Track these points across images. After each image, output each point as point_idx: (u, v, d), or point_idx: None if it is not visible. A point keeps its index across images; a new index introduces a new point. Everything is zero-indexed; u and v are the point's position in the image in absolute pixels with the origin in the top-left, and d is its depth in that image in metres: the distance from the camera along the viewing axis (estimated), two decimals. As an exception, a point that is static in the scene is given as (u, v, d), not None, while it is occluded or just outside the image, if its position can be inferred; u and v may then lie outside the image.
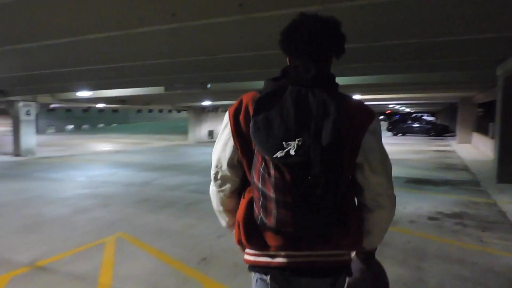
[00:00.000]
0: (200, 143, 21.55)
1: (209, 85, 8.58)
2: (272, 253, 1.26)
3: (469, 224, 4.99)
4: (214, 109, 25.67)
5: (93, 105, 22.87)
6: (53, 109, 32.98)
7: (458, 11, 4.05)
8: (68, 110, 37.50)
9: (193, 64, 7.49)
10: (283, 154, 1.08)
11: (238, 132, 1.25)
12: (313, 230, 1.19)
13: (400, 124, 28.02)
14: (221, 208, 1.43)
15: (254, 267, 1.31)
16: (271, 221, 1.19)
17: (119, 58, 6.02)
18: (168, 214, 5.56)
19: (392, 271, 2.03)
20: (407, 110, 46.43)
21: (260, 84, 8.64)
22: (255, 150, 1.20)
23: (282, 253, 1.24)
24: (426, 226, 4.93)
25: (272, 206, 1.16)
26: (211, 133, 25.01)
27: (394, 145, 17.61)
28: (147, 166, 11.07)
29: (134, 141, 22.65)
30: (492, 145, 13.15)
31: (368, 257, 1.47)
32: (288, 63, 1.34)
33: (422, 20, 4.29)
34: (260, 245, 1.26)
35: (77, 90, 11.78)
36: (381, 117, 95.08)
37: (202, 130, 24.11)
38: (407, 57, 6.27)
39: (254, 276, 1.34)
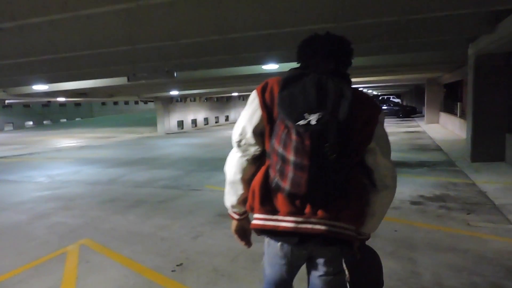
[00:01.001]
0: (170, 134, 20.88)
1: (176, 74, 8.06)
2: (280, 217, 1.40)
3: (452, 207, 4.87)
4: (183, 99, 24.94)
5: (53, 99, 21.59)
6: (9, 105, 31.06)
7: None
8: (27, 105, 35.46)
9: (156, 51, 6.98)
10: (304, 123, 1.26)
11: (264, 104, 1.44)
12: (321, 193, 1.34)
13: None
14: (239, 176, 1.52)
15: (262, 231, 1.46)
16: (286, 183, 1.33)
17: (70, 46, 5.43)
18: (138, 215, 5.12)
19: (383, 265, 1.79)
20: (374, 93, 47.27)
21: (229, 71, 8.24)
22: (278, 120, 1.35)
23: (289, 218, 1.39)
24: (411, 212, 4.77)
25: (289, 169, 1.31)
26: (181, 124, 24.32)
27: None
28: (113, 162, 10.45)
29: (99, 135, 21.64)
30: (460, 124, 13.41)
31: (363, 245, 1.65)
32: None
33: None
34: (270, 210, 1.42)
35: (32, 84, 10.90)
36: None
37: (171, 121, 23.38)
38: (380, 38, 6.04)
39: (267, 239, 1.54)
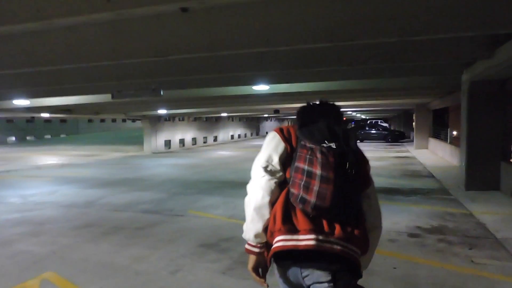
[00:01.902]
0: (157, 154, 20.38)
1: (162, 92, 7.73)
2: (300, 237, 1.48)
3: (453, 241, 4.55)
4: (171, 118, 24.56)
5: (36, 115, 21.00)
6: (-8, 120, 30.23)
7: (438, 2, 3.63)
8: (10, 120, 34.58)
9: (143, 68, 6.66)
10: (327, 145, 1.50)
11: (285, 138, 1.66)
12: (341, 207, 1.48)
13: (357, 131, 28.36)
14: (267, 199, 1.59)
15: (281, 252, 1.50)
16: (311, 196, 1.47)
17: (49, 59, 5.07)
18: (113, 243, 4.67)
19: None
20: (362, 117, 47.60)
21: (218, 91, 7.91)
22: (299, 148, 1.56)
23: (309, 236, 1.47)
24: (409, 245, 4.43)
25: (315, 183, 1.47)
26: (168, 143, 23.85)
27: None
28: (94, 182, 9.94)
29: (83, 153, 21.02)
30: (450, 151, 13.30)
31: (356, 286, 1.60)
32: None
33: (401, 15, 3.82)
34: (291, 229, 1.50)
35: (11, 99, 10.45)
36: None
37: (159, 140, 22.91)
38: (376, 61, 5.84)
39: (276, 264, 1.58)
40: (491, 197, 7.01)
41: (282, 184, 1.61)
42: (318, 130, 1.55)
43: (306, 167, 1.49)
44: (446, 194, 7.50)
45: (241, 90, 10.11)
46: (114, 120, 46.75)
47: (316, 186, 1.46)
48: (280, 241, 1.51)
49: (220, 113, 24.84)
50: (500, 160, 7.50)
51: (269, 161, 1.62)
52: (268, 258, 1.59)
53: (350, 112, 36.79)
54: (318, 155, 1.48)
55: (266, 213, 1.60)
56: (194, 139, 27.01)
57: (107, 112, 18.73)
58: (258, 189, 1.62)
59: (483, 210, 6.05)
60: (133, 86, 8.18)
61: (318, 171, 1.46)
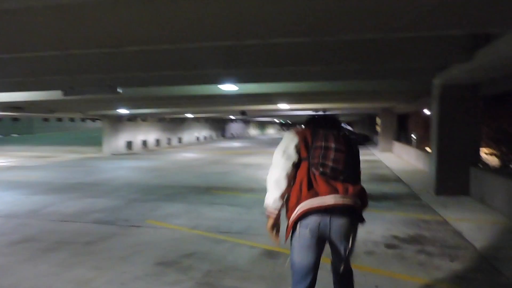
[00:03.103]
0: (117, 155, 19.33)
1: (119, 90, 7.07)
2: (323, 198, 2.02)
3: (432, 252, 4.27)
4: (133, 118, 23.48)
5: (-18, 112, 19.33)
6: None
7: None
8: (-46, 118, 31.98)
9: (97, 61, 6.00)
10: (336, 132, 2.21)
11: (299, 134, 2.23)
12: (350, 170, 2.10)
13: (324, 134, 28.50)
14: (284, 173, 2.11)
15: (305, 212, 2.04)
16: (329, 161, 2.03)
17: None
18: (54, 263, 4.01)
19: None
20: (328, 120, 48.27)
21: (182, 90, 7.31)
22: (315, 139, 2.15)
23: (329, 196, 2.03)
24: (388, 259, 4.09)
25: (331, 152, 2.05)
26: (129, 145, 22.76)
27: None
28: (43, 187, 9.04)
29: (35, 154, 19.59)
30: (416, 155, 13.40)
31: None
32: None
33: (386, 10, 3.48)
34: (315, 194, 2.04)
35: None
36: (303, 126, 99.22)
37: (119, 141, 21.80)
38: (352, 61, 5.52)
39: (298, 226, 2.08)
40: (462, 202, 6.90)
41: (296, 166, 2.14)
42: (330, 128, 2.23)
43: (323, 143, 2.08)
44: (416, 200, 7.33)
45: (207, 90, 9.58)
46: (72, 120, 44.54)
47: (332, 154, 2.04)
48: (308, 204, 2.03)
49: (185, 114, 24.05)
50: (469, 165, 7.43)
51: (286, 148, 2.17)
52: (295, 219, 2.07)
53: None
54: (331, 136, 2.11)
55: (283, 184, 2.11)
56: (157, 141, 26.02)
57: (63, 111, 17.52)
58: (278, 167, 2.13)
59: (457, 217, 5.88)
60: (87, 82, 7.45)
61: (333, 144, 2.07)
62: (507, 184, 5.85)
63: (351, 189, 2.09)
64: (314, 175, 2.08)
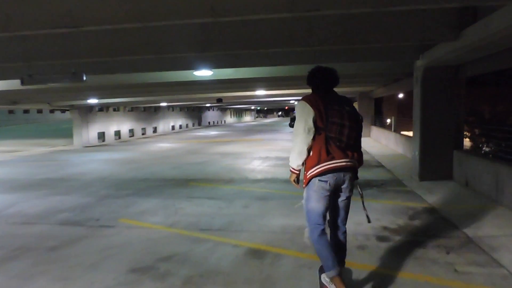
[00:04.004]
0: (88, 148, 18.49)
1: (85, 77, 6.47)
2: (338, 161, 2.66)
3: (426, 244, 4.04)
4: (105, 108, 22.52)
5: None
6: None
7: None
8: None
9: (56, 45, 5.43)
10: (347, 109, 2.72)
11: (313, 105, 2.69)
12: (358, 143, 2.77)
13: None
14: (305, 147, 2.68)
15: (322, 170, 2.66)
16: (344, 137, 2.62)
17: None
18: (11, 274, 3.54)
19: None
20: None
21: (155, 77, 6.73)
22: (329, 110, 2.68)
23: (341, 160, 2.67)
24: (381, 253, 3.83)
25: (346, 129, 2.62)
26: (102, 136, 21.85)
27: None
28: (6, 185, 8.37)
29: (1, 149, 18.49)
30: (395, 139, 13.35)
31: None
32: (312, 89, 2.92)
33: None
34: (331, 157, 2.66)
35: None
36: (280, 113, 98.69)
37: (91, 133, 20.88)
38: (334, 41, 5.17)
39: (317, 180, 2.68)
40: (447, 187, 6.78)
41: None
42: (338, 99, 2.78)
43: (339, 121, 2.62)
44: (401, 186, 7.17)
45: (181, 76, 9.06)
46: (40, 111, 42.63)
47: (346, 131, 2.62)
48: (326, 165, 2.65)
49: (159, 103, 23.27)
50: (453, 149, 7.31)
51: (306, 123, 2.64)
52: (315, 175, 2.68)
53: (293, 101, 36.88)
54: (345, 115, 2.65)
55: (304, 155, 2.70)
56: (131, 131, 25.15)
57: (27, 102, 16.48)
58: (301, 141, 2.67)
59: (443, 202, 5.72)
60: (48, 70, 6.82)
61: (347, 122, 2.63)
62: (493, 167, 5.72)
63: (355, 155, 2.77)
64: (331, 145, 2.67)
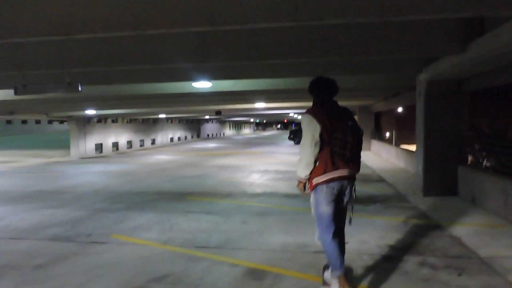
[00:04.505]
0: (85, 159, 18.26)
1: (80, 87, 6.30)
2: (340, 171, 2.95)
3: (435, 265, 3.82)
4: (103, 119, 22.36)
5: None
6: None
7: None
8: None
9: (50, 54, 5.27)
10: (350, 124, 3.03)
11: (319, 120, 2.93)
12: (358, 155, 3.08)
13: (300, 133, 27.98)
14: (313, 159, 2.96)
15: (328, 180, 2.95)
16: (347, 152, 2.94)
17: None
18: (-7, 295, 3.29)
19: None
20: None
21: (153, 88, 6.47)
22: (334, 126, 2.95)
23: (344, 170, 2.95)
24: (389, 274, 3.60)
25: (349, 144, 2.92)
26: (99, 147, 21.64)
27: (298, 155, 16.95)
28: (-3, 197, 8.12)
29: (-5, 160, 18.24)
30: (396, 153, 13.18)
31: None
32: (314, 98, 3.20)
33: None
34: (336, 168, 2.94)
35: None
36: (279, 126, 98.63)
37: (88, 144, 20.69)
38: (337, 52, 5.02)
39: (325, 187, 2.98)
40: (452, 203, 6.56)
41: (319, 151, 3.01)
42: (337, 115, 3.05)
43: (343, 137, 2.94)
44: (404, 202, 6.95)
45: (180, 88, 8.90)
46: (38, 122, 42.46)
47: (349, 146, 2.95)
48: (332, 173, 2.94)
49: (158, 114, 23.14)
50: (457, 164, 7.12)
51: (313, 138, 2.92)
52: (322, 182, 2.98)
53: (292, 114, 36.82)
54: (348, 130, 2.97)
55: (311, 166, 2.99)
56: (129, 142, 24.95)
57: (24, 112, 16.31)
58: (308, 154, 2.96)
59: (450, 220, 5.49)
60: (42, 79, 6.66)
61: (350, 138, 2.95)
62: (502, 184, 5.52)
63: (355, 165, 3.07)
64: (335, 157, 2.94)
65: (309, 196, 3.16)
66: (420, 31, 4.81)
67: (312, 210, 3.12)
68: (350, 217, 3.20)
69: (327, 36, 4.81)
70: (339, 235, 3.09)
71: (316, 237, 3.15)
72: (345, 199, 3.11)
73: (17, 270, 3.85)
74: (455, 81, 6.92)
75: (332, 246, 3.01)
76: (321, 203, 3.01)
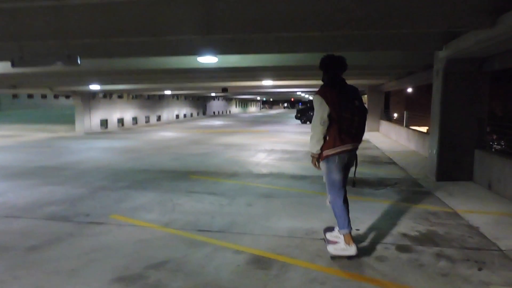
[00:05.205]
0: (90, 134, 18.10)
1: (79, 60, 5.98)
2: (348, 145, 3.35)
3: (453, 257, 3.56)
4: (108, 95, 22.08)
5: None
6: None
7: None
8: None
9: (46, 23, 4.93)
10: (356, 104, 3.38)
11: (328, 102, 3.29)
12: (362, 131, 3.44)
13: (307, 112, 27.63)
14: (322, 136, 3.34)
15: (338, 153, 3.35)
16: (353, 129, 3.32)
17: None
18: (-19, 279, 3.10)
19: None
20: (310, 98, 47.37)
21: (156, 63, 6.05)
22: (343, 107, 3.30)
23: (350, 144, 3.36)
24: (404, 267, 3.35)
25: (355, 123, 3.30)
26: (104, 123, 21.44)
27: (306, 135, 16.61)
28: (-2, 172, 7.97)
29: (2, 134, 18.15)
30: (407, 135, 12.79)
31: None
32: (325, 73, 3.51)
33: None
34: (344, 143, 3.32)
35: None
36: (285, 104, 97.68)
37: (93, 119, 20.48)
38: (353, 26, 4.62)
39: (337, 158, 3.37)
40: (468, 189, 6.27)
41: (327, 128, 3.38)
42: (346, 91, 3.41)
43: (350, 116, 3.29)
44: (416, 186, 6.65)
45: (184, 63, 8.53)
46: (44, 96, 42.32)
47: (355, 124, 3.33)
48: (340, 147, 3.33)
49: (164, 91, 22.78)
50: (474, 148, 6.77)
51: (322, 118, 3.29)
52: (333, 154, 3.37)
53: (299, 93, 36.21)
54: (356, 110, 3.33)
55: (321, 142, 3.37)
56: (135, 119, 24.73)
57: (27, 86, 16.07)
58: (319, 132, 3.33)
59: (467, 207, 5.21)
60: (40, 51, 6.34)
61: (356, 118, 3.32)
62: (523, 170, 5.19)
63: (359, 139, 3.44)
64: (343, 134, 3.31)
65: (321, 172, 3.58)
66: (446, 2, 4.39)
67: (324, 178, 3.54)
68: (354, 180, 3.72)
69: (342, 7, 4.41)
70: (345, 199, 3.54)
71: (327, 200, 3.57)
72: (349, 167, 3.54)
73: (10, 252, 3.66)
74: (477, 60, 6.49)
75: (342, 209, 3.48)
76: (333, 171, 3.43)
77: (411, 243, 3.93)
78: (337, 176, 3.43)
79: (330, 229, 3.74)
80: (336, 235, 3.58)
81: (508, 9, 4.14)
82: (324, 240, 3.72)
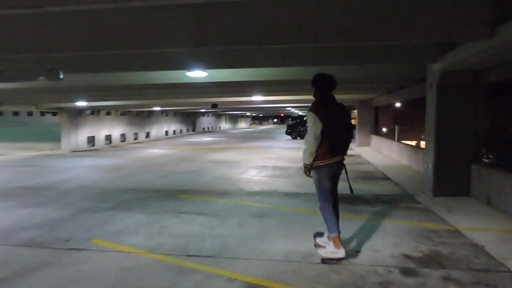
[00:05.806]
0: (76, 152, 17.63)
1: (62, 75, 5.71)
2: (336, 157, 3.75)
3: (463, 281, 3.31)
4: (96, 112, 21.67)
5: None
6: None
7: None
8: None
9: (27, 36, 4.66)
10: (345, 122, 3.89)
11: (320, 118, 3.65)
12: (347, 146, 3.92)
13: (298, 128, 27.54)
14: (315, 150, 3.67)
15: (328, 164, 3.71)
16: (341, 144, 3.80)
17: None
18: None
19: None
20: (300, 113, 47.39)
21: (144, 77, 5.22)
22: (332, 123, 3.72)
23: (339, 157, 3.78)
24: (411, 294, 3.09)
25: (344, 139, 3.81)
26: (92, 140, 20.97)
27: (297, 150, 16.41)
28: (-25, 193, 7.53)
29: (-18, 153, 17.56)
30: (399, 149, 12.68)
31: None
32: (316, 92, 3.91)
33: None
34: (333, 156, 3.71)
35: None
36: (275, 120, 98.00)
37: (80, 137, 20.01)
38: (347, 37, 4.45)
39: (327, 168, 3.74)
40: (466, 205, 6.07)
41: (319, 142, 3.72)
42: (336, 110, 3.79)
43: (339, 133, 3.74)
44: (414, 202, 6.44)
45: (173, 78, 8.30)
46: (30, 113, 41.58)
47: (344, 140, 3.81)
48: (329, 160, 3.70)
49: (152, 107, 22.48)
50: (470, 162, 6.62)
51: (315, 134, 3.63)
52: (324, 165, 3.71)
53: (290, 108, 36.21)
54: (345, 127, 3.80)
55: (314, 154, 3.70)
56: (123, 136, 24.28)
57: (11, 103, 15.62)
58: (312, 146, 3.66)
59: (468, 225, 5.00)
60: (21, 65, 6.05)
61: (344, 134, 3.78)
62: (524, 185, 5.02)
63: (345, 152, 3.89)
64: (332, 148, 3.70)
65: (313, 188, 3.94)
66: (444, 12, 4.26)
67: (316, 186, 3.86)
68: (350, 187, 4.04)
69: (340, 14, 4.25)
70: (335, 206, 3.86)
71: (319, 207, 3.86)
72: (337, 176, 3.90)
73: (-23, 285, 3.30)
74: (472, 72, 6.39)
75: (331, 214, 3.77)
76: (323, 179, 3.77)
77: (416, 265, 3.67)
78: (327, 183, 3.79)
79: (319, 234, 4.02)
80: (325, 241, 3.86)
81: (507, 19, 4.02)
82: (315, 245, 3.99)
